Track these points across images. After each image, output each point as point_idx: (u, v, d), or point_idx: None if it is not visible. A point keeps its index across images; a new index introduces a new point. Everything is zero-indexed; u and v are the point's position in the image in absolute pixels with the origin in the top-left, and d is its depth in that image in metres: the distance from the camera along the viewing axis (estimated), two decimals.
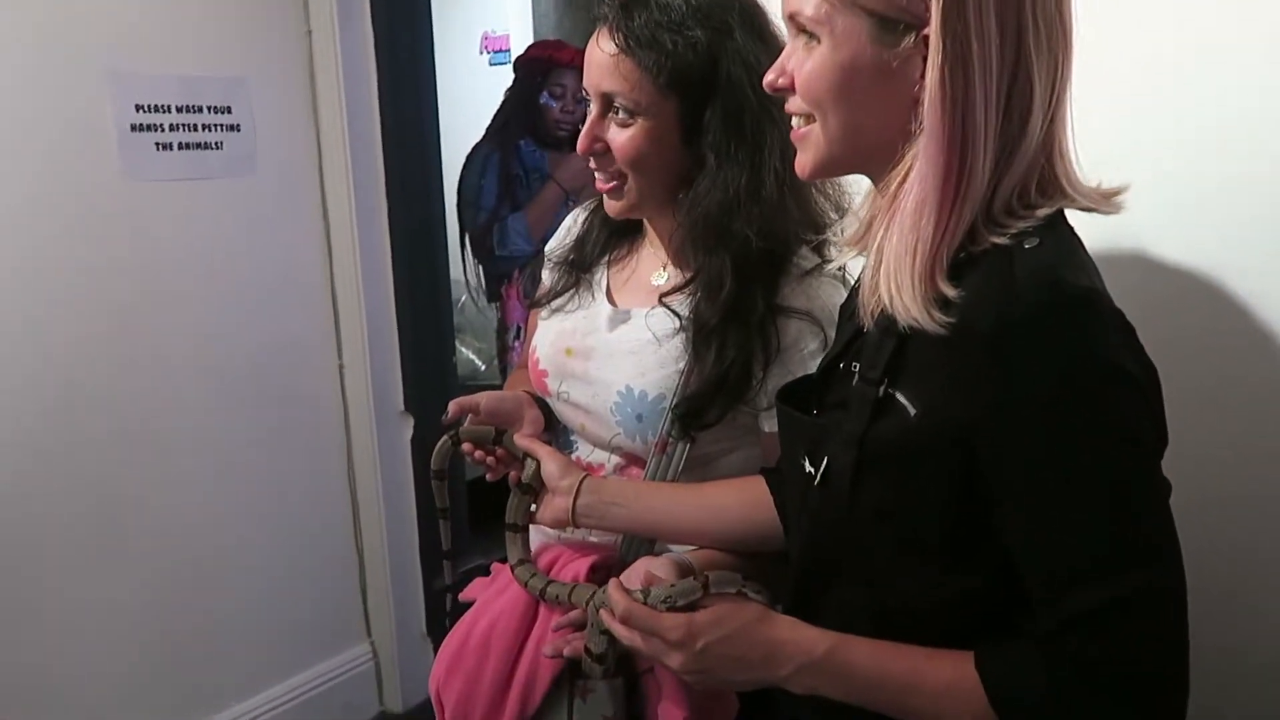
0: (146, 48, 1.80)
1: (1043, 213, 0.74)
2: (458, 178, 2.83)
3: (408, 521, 2.33)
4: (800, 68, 0.78)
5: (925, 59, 0.71)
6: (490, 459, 1.18)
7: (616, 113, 1.05)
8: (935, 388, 0.74)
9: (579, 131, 1.08)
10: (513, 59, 3.04)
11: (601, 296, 1.19)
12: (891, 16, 0.72)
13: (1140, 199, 0.80)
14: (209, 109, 1.90)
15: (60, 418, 1.75)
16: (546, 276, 1.26)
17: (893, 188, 0.76)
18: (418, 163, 2.27)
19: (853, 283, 0.95)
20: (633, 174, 1.07)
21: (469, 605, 1.21)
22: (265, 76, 1.98)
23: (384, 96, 2.12)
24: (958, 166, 0.71)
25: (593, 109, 1.07)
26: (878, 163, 0.78)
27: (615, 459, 1.15)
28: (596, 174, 1.11)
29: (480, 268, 2.88)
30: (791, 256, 1.07)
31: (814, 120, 0.79)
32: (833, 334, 1.01)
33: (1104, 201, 0.78)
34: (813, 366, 1.00)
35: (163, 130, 1.83)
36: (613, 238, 1.22)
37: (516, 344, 2.88)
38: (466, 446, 1.17)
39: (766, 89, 0.84)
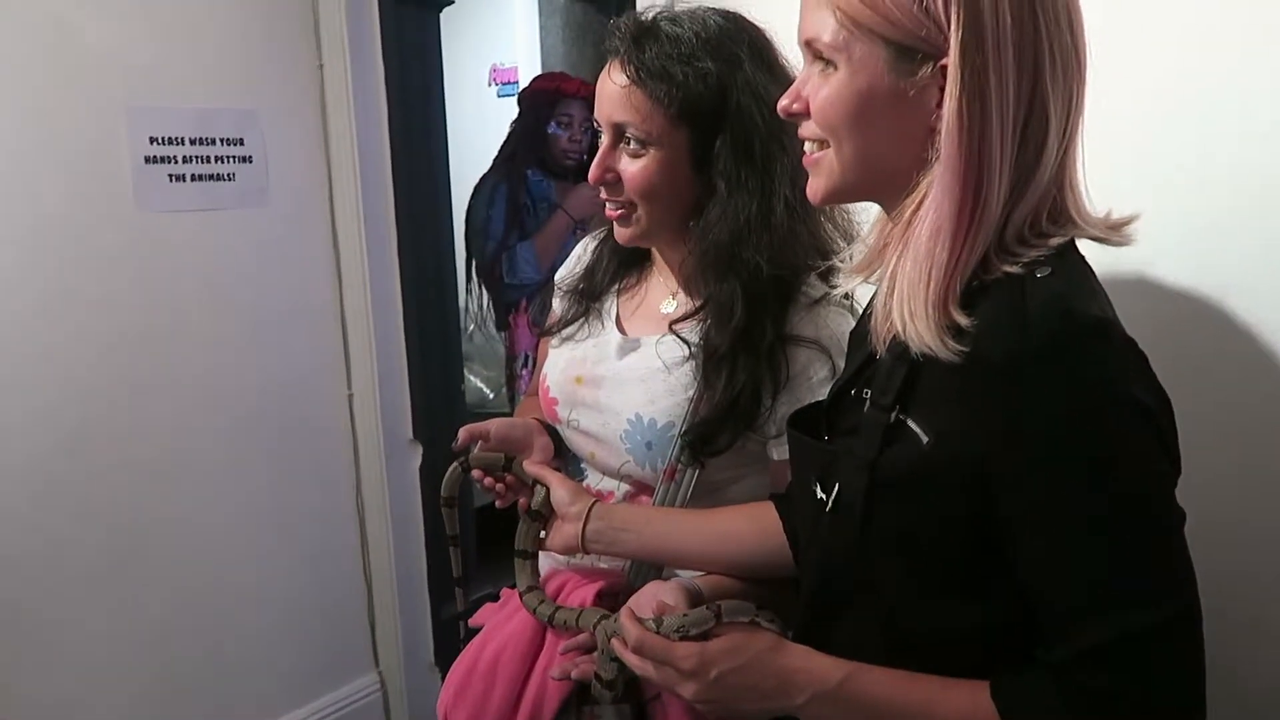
0: (162, 81, 1.82)
1: (1054, 241, 0.75)
2: (466, 208, 2.85)
3: (416, 550, 2.31)
4: (816, 94, 0.78)
5: (942, 89, 0.71)
6: (500, 486, 1.18)
7: (628, 143, 1.06)
8: (947, 415, 0.74)
9: (586, 161, 1.09)
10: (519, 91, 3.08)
11: (611, 325, 1.19)
12: (910, 46, 0.72)
13: (1149, 224, 0.80)
14: (222, 141, 1.92)
15: (74, 446, 1.76)
16: (557, 305, 1.27)
17: (906, 215, 0.76)
18: (427, 194, 2.29)
19: (860, 310, 0.96)
20: (643, 203, 1.08)
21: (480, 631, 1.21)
22: (277, 109, 2.01)
23: (394, 129, 2.13)
24: (973, 196, 0.71)
25: (604, 140, 1.08)
26: (890, 190, 0.78)
27: (625, 487, 1.15)
28: (607, 202, 1.12)
29: (488, 296, 2.90)
30: (800, 284, 1.07)
31: (827, 146, 0.79)
32: (841, 363, 1.01)
33: (1113, 232, 0.79)
34: (821, 394, 1.00)
35: (176, 162, 1.85)
36: (622, 266, 1.23)
37: (525, 372, 2.89)
38: (476, 473, 1.18)
39: (780, 113, 0.84)
